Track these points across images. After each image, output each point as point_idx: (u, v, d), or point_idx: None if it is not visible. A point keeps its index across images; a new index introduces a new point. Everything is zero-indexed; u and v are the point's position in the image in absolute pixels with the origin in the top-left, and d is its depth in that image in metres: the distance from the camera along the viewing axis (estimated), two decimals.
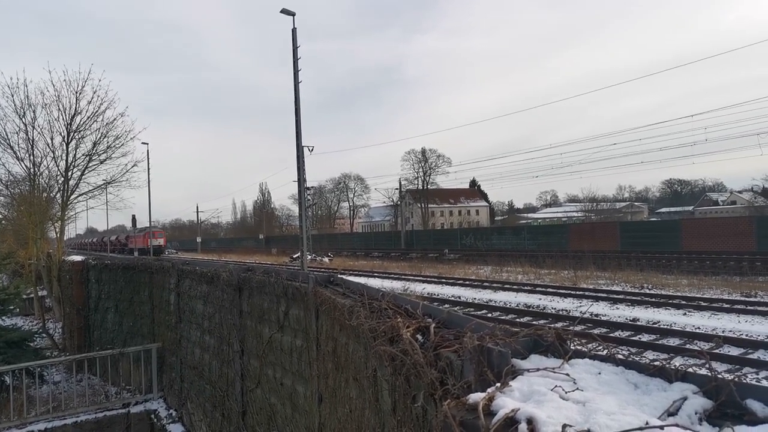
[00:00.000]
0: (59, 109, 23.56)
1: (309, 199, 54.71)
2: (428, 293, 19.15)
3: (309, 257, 33.73)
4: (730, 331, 11.32)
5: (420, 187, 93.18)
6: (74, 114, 23.75)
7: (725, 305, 14.09)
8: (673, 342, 10.97)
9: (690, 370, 2.17)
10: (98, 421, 11.12)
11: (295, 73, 22.28)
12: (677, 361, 9.43)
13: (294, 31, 22.11)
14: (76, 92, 23.55)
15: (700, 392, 1.99)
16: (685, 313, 13.28)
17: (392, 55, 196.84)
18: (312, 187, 63.42)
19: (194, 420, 10.26)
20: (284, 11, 21.76)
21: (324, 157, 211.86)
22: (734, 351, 10.02)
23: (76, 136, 24.17)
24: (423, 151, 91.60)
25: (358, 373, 4.19)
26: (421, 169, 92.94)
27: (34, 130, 23.65)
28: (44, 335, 20.70)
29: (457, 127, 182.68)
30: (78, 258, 23.09)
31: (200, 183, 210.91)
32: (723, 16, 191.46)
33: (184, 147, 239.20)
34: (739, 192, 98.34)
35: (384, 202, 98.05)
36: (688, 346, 10.59)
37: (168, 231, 70.88)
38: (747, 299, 14.93)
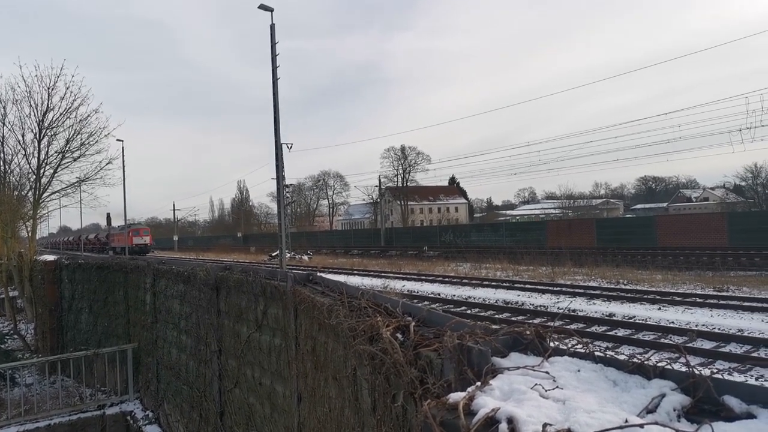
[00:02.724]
0: (31, 105, 22.97)
1: (288, 197, 54.34)
2: (408, 290, 19.18)
3: (288, 255, 33.53)
4: (703, 325, 11.55)
5: (399, 184, 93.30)
6: (46, 110, 23.17)
7: (698, 300, 14.39)
8: (649, 336, 11.15)
9: (668, 366, 2.18)
10: (72, 424, 10.90)
11: (273, 70, 22.07)
12: (654, 357, 9.57)
13: (272, 27, 21.89)
14: (49, 88, 22.97)
15: (678, 389, 2.00)
16: (659, 308, 13.51)
17: (373, 53, 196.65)
18: (291, 184, 63.05)
19: (171, 421, 10.12)
20: (262, 7, 21.53)
21: (303, 155, 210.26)
22: (707, 344, 10.22)
23: (49, 133, 23.59)
24: (402, 149, 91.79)
25: (337, 372, 4.16)
26: (400, 167, 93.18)
27: (5, 127, 23.06)
28: (16, 336, 20.25)
29: (436, 124, 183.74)
30: (51, 257, 22.58)
31: (177, 181, 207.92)
32: (697, 16, 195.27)
33: (161, 145, 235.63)
34: (712, 189, 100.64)
35: (363, 200, 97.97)
36: (662, 340, 10.78)
37: None
38: (719, 294, 15.27)
